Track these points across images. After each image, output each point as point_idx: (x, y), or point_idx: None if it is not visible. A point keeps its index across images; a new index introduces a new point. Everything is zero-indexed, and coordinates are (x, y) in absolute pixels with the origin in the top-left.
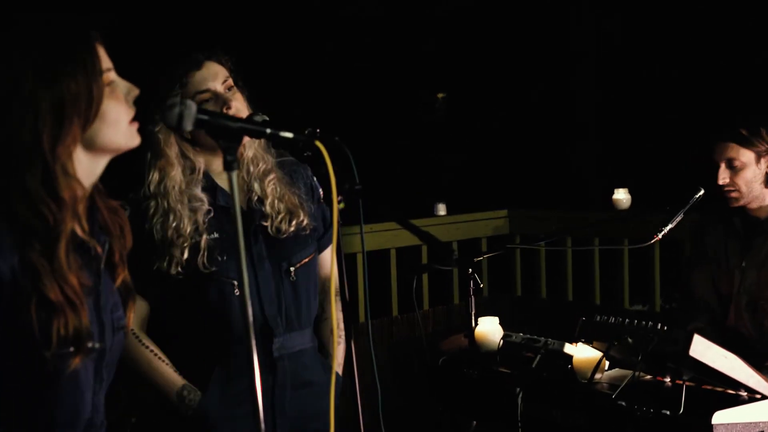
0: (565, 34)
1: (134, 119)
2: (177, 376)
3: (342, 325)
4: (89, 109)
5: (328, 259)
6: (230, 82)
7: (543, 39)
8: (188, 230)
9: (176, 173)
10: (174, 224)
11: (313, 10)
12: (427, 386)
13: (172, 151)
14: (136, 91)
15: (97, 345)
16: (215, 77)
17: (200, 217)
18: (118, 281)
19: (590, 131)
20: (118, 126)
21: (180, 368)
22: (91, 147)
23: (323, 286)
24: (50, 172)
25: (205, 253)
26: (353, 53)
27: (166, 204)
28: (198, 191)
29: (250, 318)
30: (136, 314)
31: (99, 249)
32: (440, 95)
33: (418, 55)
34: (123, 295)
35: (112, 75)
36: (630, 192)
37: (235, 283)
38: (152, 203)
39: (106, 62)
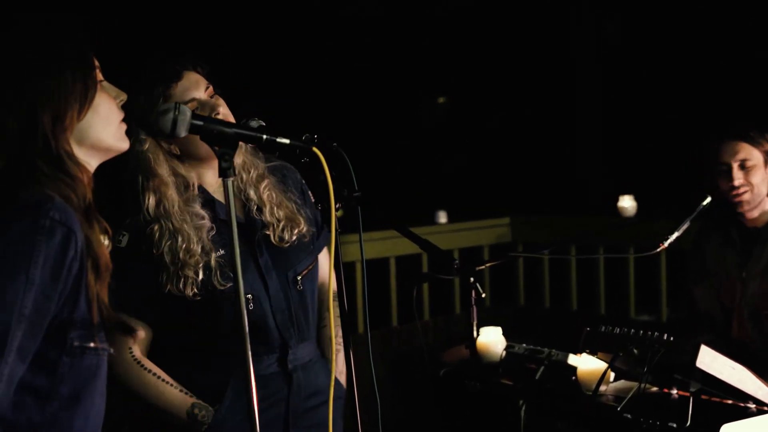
0: (566, 36)
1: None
2: (184, 395)
3: (340, 332)
4: (84, 98)
5: (323, 264)
6: (211, 89)
7: (543, 40)
8: (198, 250)
9: (172, 192)
10: (183, 245)
11: (313, 10)
12: (427, 398)
13: (163, 169)
14: (123, 96)
15: (111, 349)
16: (197, 86)
17: (204, 236)
18: None
19: (594, 136)
20: (109, 122)
21: (193, 383)
22: (83, 142)
23: (320, 293)
24: (56, 155)
25: (218, 272)
26: (353, 54)
27: (171, 225)
28: (197, 208)
29: (246, 324)
30: (138, 342)
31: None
32: (441, 99)
33: (417, 56)
34: None
35: (100, 75)
36: (636, 199)
37: (249, 297)
38: (156, 227)
39: (96, 62)
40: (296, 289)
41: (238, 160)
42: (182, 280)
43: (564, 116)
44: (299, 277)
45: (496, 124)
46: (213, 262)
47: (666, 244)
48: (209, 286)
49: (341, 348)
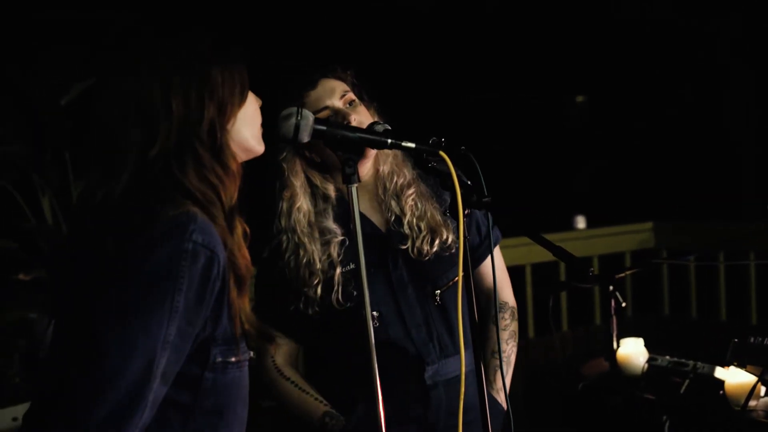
0: (715, 33)
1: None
2: (318, 404)
3: (505, 347)
4: (242, 94)
5: (487, 271)
6: (350, 96)
7: (693, 39)
8: (319, 266)
9: (303, 204)
10: (305, 260)
11: (443, 10)
12: (564, 414)
13: (299, 180)
14: (259, 102)
15: (252, 355)
16: (332, 93)
17: (334, 250)
18: None
19: (746, 135)
20: (254, 122)
21: (329, 394)
22: (232, 139)
23: (486, 301)
24: (216, 141)
25: (339, 288)
26: (487, 53)
27: (296, 238)
28: (329, 222)
29: (372, 337)
30: (281, 351)
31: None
32: (579, 99)
33: (556, 54)
34: None
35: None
36: None
37: (375, 314)
38: (284, 238)
39: None
40: (434, 305)
41: (385, 168)
42: (302, 299)
43: (713, 117)
44: (438, 292)
45: (642, 126)
46: (336, 277)
47: None
48: (328, 304)
49: (506, 364)
